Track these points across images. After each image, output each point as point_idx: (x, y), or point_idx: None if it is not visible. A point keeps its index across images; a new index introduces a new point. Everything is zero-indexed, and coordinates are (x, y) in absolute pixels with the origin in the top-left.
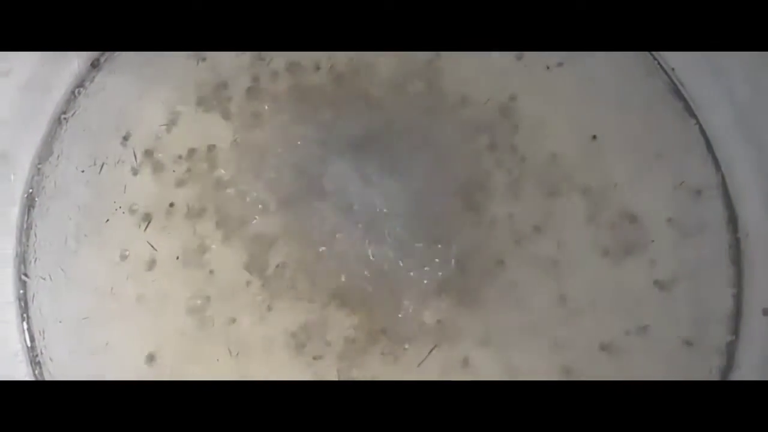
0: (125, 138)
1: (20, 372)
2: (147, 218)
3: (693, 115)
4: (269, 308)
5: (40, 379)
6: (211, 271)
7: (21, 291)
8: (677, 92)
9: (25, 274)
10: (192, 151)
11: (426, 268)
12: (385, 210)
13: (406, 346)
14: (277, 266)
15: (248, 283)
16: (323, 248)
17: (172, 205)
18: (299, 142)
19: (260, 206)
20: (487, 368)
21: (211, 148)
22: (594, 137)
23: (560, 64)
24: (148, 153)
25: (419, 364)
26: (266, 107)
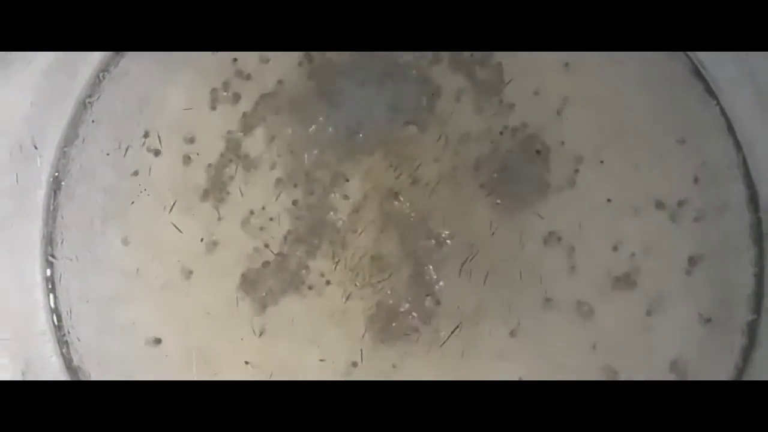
0: (149, 121)
1: (47, 351)
2: (172, 200)
3: (714, 96)
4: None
5: (66, 357)
6: (234, 252)
7: (48, 272)
8: (698, 73)
9: (52, 255)
10: (216, 133)
11: None
12: None
13: None
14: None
15: (265, 264)
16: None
17: (196, 187)
18: (315, 126)
19: (284, 185)
20: None
21: (234, 129)
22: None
23: None
24: (172, 136)
25: None
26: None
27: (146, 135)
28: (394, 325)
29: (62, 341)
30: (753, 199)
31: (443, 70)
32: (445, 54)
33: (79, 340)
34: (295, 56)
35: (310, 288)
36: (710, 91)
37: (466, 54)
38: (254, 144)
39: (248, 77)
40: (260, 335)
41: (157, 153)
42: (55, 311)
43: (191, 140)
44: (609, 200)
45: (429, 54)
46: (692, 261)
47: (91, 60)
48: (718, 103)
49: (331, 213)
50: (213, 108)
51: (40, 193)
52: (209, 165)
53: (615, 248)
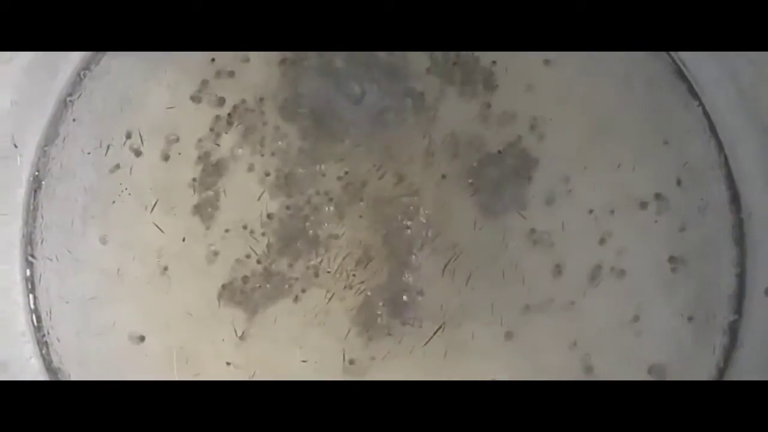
0: (131, 120)
1: (26, 352)
2: (153, 200)
3: (696, 96)
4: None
5: (46, 358)
6: (216, 253)
7: (28, 272)
8: (680, 74)
9: (32, 255)
10: (198, 132)
11: None
12: None
13: None
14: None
15: (249, 258)
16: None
17: (178, 186)
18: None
19: (267, 185)
20: None
21: (216, 128)
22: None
23: None
24: (154, 135)
25: None
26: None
27: (128, 134)
28: (376, 325)
29: (42, 342)
30: (735, 199)
31: (428, 69)
32: (429, 54)
33: (59, 340)
34: (275, 56)
35: (292, 288)
36: (692, 92)
37: (452, 54)
38: (236, 143)
39: (231, 75)
40: (242, 336)
41: (138, 152)
42: (35, 312)
43: (173, 139)
44: (591, 200)
45: (415, 54)
46: (674, 261)
47: (72, 58)
48: (701, 103)
49: (314, 213)
50: (196, 107)
51: (20, 193)
52: (191, 164)
53: (598, 248)
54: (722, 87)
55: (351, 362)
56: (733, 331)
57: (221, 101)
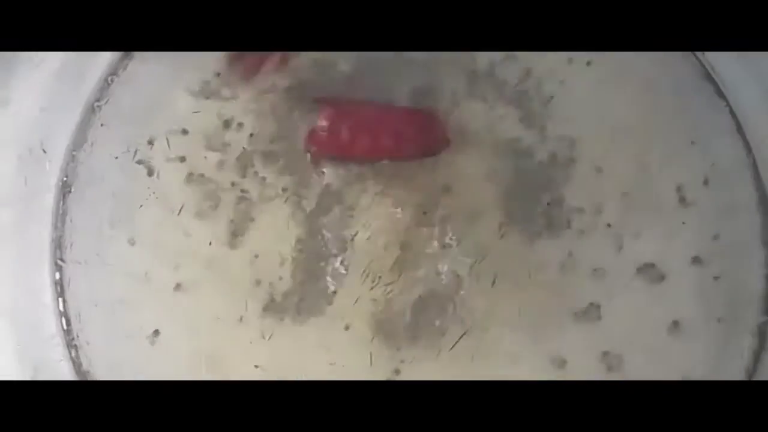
0: (158, 124)
1: (57, 355)
2: (180, 203)
3: (723, 97)
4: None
5: (76, 361)
6: (256, 255)
7: (57, 275)
8: (707, 75)
9: (61, 259)
10: (224, 135)
11: None
12: None
13: None
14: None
15: (283, 261)
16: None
17: (205, 189)
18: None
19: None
20: None
21: (240, 131)
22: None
23: None
24: (181, 139)
25: None
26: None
27: (155, 138)
28: (402, 328)
29: (71, 345)
30: (763, 200)
31: (453, 71)
32: (452, 55)
33: (88, 343)
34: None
35: (320, 292)
36: (720, 93)
37: (482, 56)
38: (262, 143)
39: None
40: (269, 339)
41: (165, 156)
42: (64, 315)
43: (200, 143)
44: (619, 201)
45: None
46: (702, 263)
47: (100, 63)
48: (728, 104)
49: (339, 216)
50: (221, 111)
51: (49, 197)
52: (217, 167)
53: (626, 250)
54: (749, 88)
55: (377, 365)
56: (762, 333)
57: (248, 103)
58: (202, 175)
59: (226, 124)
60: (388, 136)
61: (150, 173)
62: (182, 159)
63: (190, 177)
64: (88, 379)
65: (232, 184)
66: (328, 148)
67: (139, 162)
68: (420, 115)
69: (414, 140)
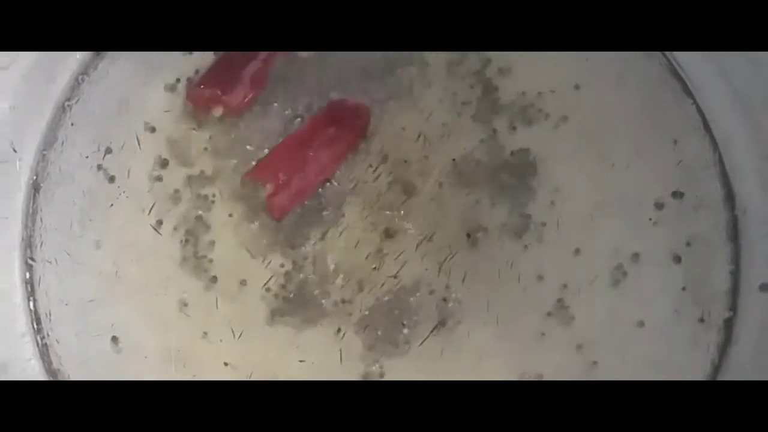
0: (128, 124)
1: (27, 353)
2: (151, 202)
3: (690, 95)
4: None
5: (46, 359)
6: (211, 260)
7: (27, 274)
8: (675, 73)
9: (32, 258)
10: (195, 136)
11: None
12: None
13: None
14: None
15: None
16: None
17: (176, 190)
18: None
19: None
20: None
21: (215, 132)
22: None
23: None
24: (151, 138)
25: None
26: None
27: (125, 137)
28: (371, 324)
29: (42, 344)
30: (729, 197)
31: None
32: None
33: (58, 342)
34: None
35: (289, 287)
36: (687, 91)
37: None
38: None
39: None
40: (239, 336)
41: (136, 155)
42: (35, 314)
43: (170, 142)
44: (586, 200)
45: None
46: (669, 258)
47: (70, 63)
48: (695, 102)
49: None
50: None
51: (20, 196)
52: (188, 167)
53: (594, 247)
54: (716, 86)
55: (347, 361)
56: (728, 328)
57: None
58: (173, 175)
59: (198, 124)
60: (324, 148)
61: (120, 173)
62: (153, 158)
63: (160, 176)
64: (58, 378)
65: (203, 181)
66: (289, 206)
67: (109, 161)
68: (331, 108)
69: (345, 131)
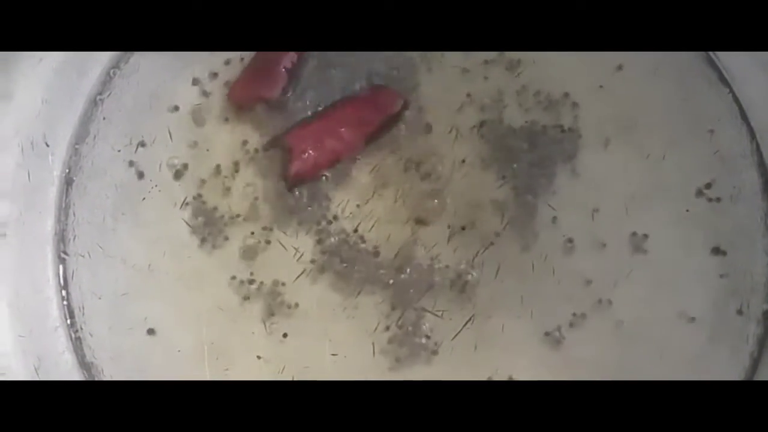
0: (160, 117)
1: (60, 347)
2: (183, 196)
3: (727, 84)
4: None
5: (79, 353)
6: (246, 248)
7: (61, 268)
8: (711, 62)
9: (65, 252)
10: (226, 129)
11: None
12: None
13: None
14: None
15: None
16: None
17: (204, 182)
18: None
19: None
20: None
21: (246, 123)
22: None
23: None
24: (183, 131)
25: None
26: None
27: (157, 131)
28: (404, 319)
29: (75, 337)
30: (767, 187)
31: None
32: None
33: (91, 335)
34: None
35: (321, 281)
36: (723, 80)
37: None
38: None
39: None
40: (271, 330)
41: (167, 149)
42: (68, 307)
43: (201, 135)
44: (622, 191)
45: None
46: (708, 250)
47: (102, 58)
48: (731, 91)
49: (340, 204)
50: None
51: (52, 190)
52: (218, 161)
53: (630, 239)
54: (753, 74)
55: (379, 356)
56: (767, 320)
57: None
58: (204, 168)
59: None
60: (348, 127)
61: (152, 166)
62: (185, 151)
63: (192, 170)
64: (92, 373)
65: (235, 174)
66: (304, 175)
67: (141, 155)
68: (368, 93)
69: (373, 115)
